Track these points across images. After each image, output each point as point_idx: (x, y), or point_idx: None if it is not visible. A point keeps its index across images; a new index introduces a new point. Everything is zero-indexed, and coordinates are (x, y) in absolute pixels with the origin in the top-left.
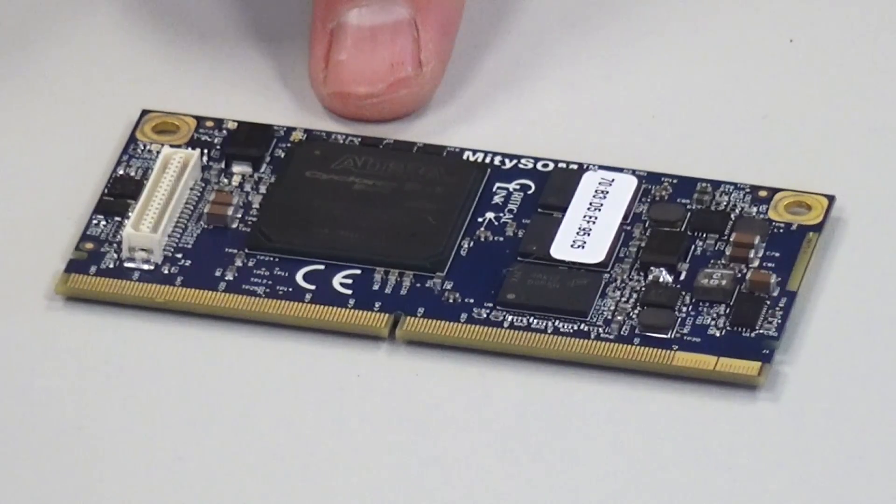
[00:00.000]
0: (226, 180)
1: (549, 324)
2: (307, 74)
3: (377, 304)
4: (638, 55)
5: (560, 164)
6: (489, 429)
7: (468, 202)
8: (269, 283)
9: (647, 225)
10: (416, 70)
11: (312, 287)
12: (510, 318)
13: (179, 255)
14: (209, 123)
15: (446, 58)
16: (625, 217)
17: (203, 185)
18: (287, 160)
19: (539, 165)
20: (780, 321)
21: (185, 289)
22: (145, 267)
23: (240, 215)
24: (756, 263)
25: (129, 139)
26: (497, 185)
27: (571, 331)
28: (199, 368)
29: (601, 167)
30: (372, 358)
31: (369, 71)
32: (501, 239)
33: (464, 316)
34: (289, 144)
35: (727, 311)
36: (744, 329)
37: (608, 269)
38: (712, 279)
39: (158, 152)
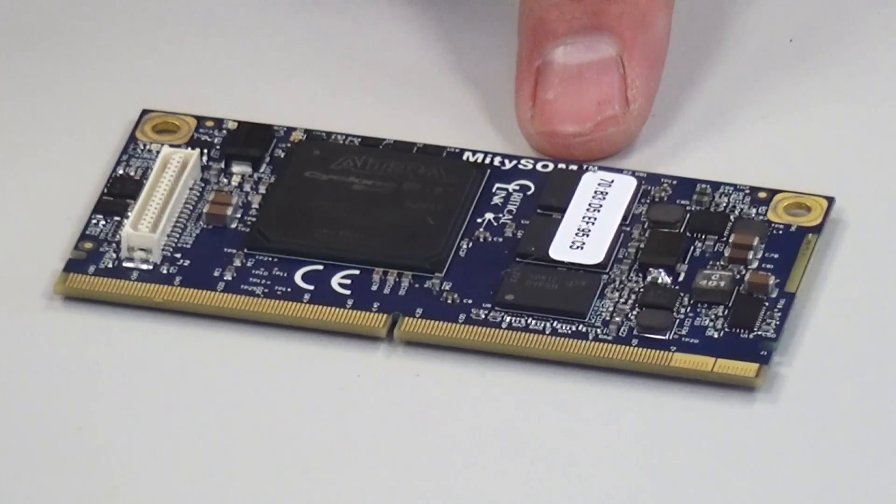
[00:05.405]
0: (225, 180)
1: (548, 325)
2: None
3: (375, 305)
4: None
5: (560, 165)
6: (487, 429)
7: (467, 203)
8: (268, 283)
9: (646, 226)
10: (623, 108)
11: (311, 287)
12: (508, 318)
13: (178, 255)
14: (209, 123)
15: (653, 94)
16: (624, 218)
17: (202, 184)
18: (287, 160)
19: (539, 166)
20: (778, 323)
21: (184, 289)
22: (144, 267)
23: (239, 215)
24: (755, 265)
25: (129, 139)
26: (497, 185)
27: (570, 332)
28: (198, 368)
29: (600, 168)
30: (370, 358)
31: (577, 110)
32: (500, 239)
33: (462, 316)
34: (289, 144)
35: (725, 312)
36: (742, 330)
37: (607, 270)
38: (711, 280)
39: (158, 152)
